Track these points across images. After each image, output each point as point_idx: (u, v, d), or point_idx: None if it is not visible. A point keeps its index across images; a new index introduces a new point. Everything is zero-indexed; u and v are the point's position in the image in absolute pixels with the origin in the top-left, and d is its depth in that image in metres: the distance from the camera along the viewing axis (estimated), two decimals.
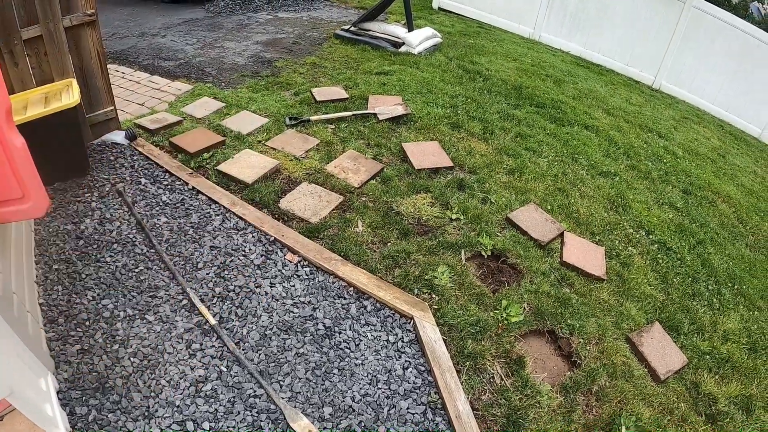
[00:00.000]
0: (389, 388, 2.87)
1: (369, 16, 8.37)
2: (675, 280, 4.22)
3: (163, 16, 9.26)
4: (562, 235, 4.19)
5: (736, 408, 3.53)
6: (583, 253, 4.04)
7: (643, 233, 4.64)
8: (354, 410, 2.74)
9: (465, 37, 9.53)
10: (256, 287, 3.34)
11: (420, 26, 8.81)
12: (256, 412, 2.62)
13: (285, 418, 2.60)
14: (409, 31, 8.07)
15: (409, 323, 3.25)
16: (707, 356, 3.75)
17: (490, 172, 4.81)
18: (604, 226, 4.53)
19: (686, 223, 5.03)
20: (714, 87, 9.95)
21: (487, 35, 10.10)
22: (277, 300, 3.27)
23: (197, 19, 9.17)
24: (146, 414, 2.52)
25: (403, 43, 7.87)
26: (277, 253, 3.63)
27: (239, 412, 2.61)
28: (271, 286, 3.36)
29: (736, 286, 4.53)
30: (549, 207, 4.52)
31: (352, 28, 8.39)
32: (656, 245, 4.53)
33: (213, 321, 3.03)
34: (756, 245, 5.50)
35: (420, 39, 7.95)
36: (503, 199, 4.45)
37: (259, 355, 2.91)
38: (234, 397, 2.66)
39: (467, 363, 3.05)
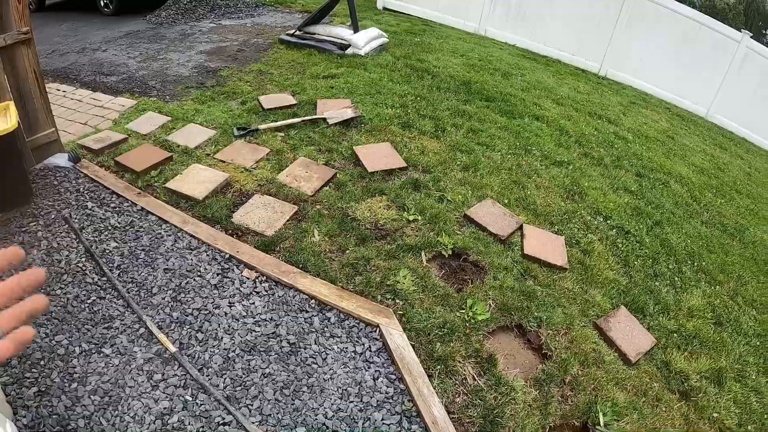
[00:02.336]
0: (361, 401, 2.84)
1: (313, 19, 8.35)
2: (636, 262, 4.34)
3: (104, 30, 9.07)
4: (521, 227, 4.25)
5: (708, 382, 3.65)
6: (544, 244, 4.11)
7: (601, 219, 4.76)
8: (328, 427, 2.70)
9: (411, 35, 9.62)
10: (215, 308, 3.26)
11: (366, 27, 8.83)
12: None
13: None
14: (354, 33, 8.07)
15: (376, 331, 3.24)
16: (675, 334, 3.86)
17: (444, 169, 4.85)
18: (562, 215, 4.63)
19: (642, 205, 5.18)
20: (659, 71, 10.32)
21: (433, 33, 10.21)
22: (238, 320, 3.20)
23: (139, 32, 9.01)
24: None
25: (350, 45, 7.87)
26: (233, 270, 3.56)
27: None
28: (230, 306, 3.29)
29: (695, 263, 4.69)
30: (506, 201, 4.58)
31: (297, 33, 8.36)
32: (615, 230, 4.66)
33: (173, 348, 2.95)
34: (711, 221, 5.71)
35: (366, 40, 7.97)
36: (460, 196, 4.50)
37: (225, 379, 2.84)
38: (202, 427, 2.59)
39: (438, 366, 3.05)
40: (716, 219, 5.87)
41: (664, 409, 3.35)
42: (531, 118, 6.50)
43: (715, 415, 3.47)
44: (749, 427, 3.52)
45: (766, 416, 3.67)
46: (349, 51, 7.84)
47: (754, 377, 3.93)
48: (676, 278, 4.38)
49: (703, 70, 10.23)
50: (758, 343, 4.27)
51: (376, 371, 3.01)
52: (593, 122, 7.09)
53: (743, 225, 6.12)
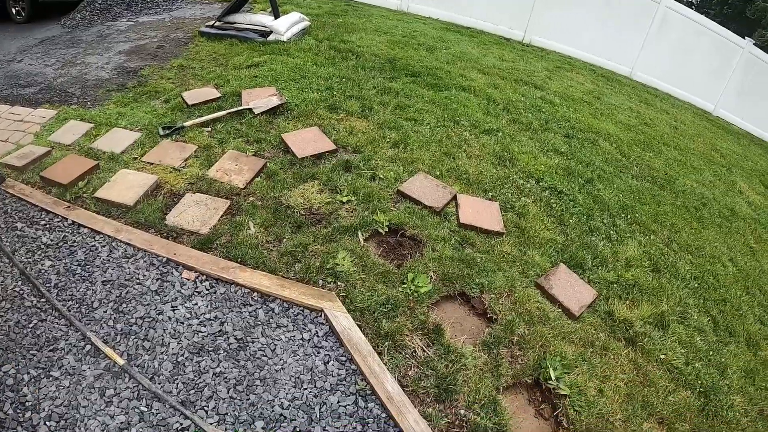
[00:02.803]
0: (315, 386, 2.89)
1: (233, 8, 8.19)
2: (571, 220, 4.50)
3: (17, 39, 8.62)
4: (455, 197, 4.34)
5: (652, 327, 3.85)
6: (479, 212, 4.21)
7: (534, 182, 4.91)
8: (286, 417, 2.74)
9: (333, 16, 9.57)
10: (158, 314, 3.22)
11: (286, 12, 8.73)
12: None
13: None
14: (275, 19, 7.96)
15: (321, 316, 3.27)
16: (615, 285, 4.04)
17: (374, 148, 4.89)
18: (495, 181, 4.75)
19: (572, 165, 5.37)
20: (583, 35, 10.69)
21: (356, 12, 10.19)
22: (183, 323, 3.18)
23: (54, 37, 8.60)
24: None
25: (271, 32, 7.77)
26: (172, 273, 3.52)
27: None
28: (173, 310, 3.26)
29: (629, 216, 4.91)
30: (438, 173, 4.66)
31: (217, 23, 8.17)
32: (547, 191, 4.82)
33: (121, 361, 2.91)
34: (641, 175, 5.97)
35: (288, 25, 7.89)
36: (391, 173, 4.54)
37: (177, 384, 2.83)
38: None
39: (386, 343, 3.11)
40: (646, 172, 6.15)
41: (612, 357, 3.51)
42: (458, 89, 6.61)
43: (662, 357, 3.67)
44: (696, 364, 3.74)
45: (711, 353, 3.90)
46: (271, 38, 7.75)
47: (696, 318, 4.17)
48: (611, 232, 4.57)
49: (625, 32, 10.66)
50: (696, 285, 4.52)
51: (326, 355, 3.05)
52: (520, 89, 7.27)
53: (673, 176, 6.44)
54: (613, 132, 6.68)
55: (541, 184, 4.90)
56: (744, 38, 11.32)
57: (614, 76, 10.37)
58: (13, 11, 9.97)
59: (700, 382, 3.62)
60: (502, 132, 5.70)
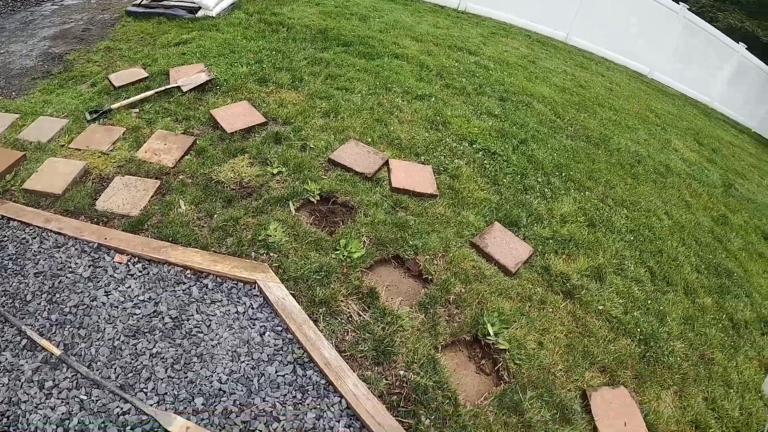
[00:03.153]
0: (252, 358, 2.89)
1: None
2: (505, 180, 4.58)
3: None
4: (387, 163, 4.36)
5: (589, 279, 3.98)
6: (412, 176, 4.24)
7: (466, 144, 4.97)
8: (225, 391, 2.74)
9: None
10: (92, 301, 3.16)
11: None
12: (130, 429, 2.55)
13: (160, 425, 2.55)
14: None
15: (254, 288, 3.26)
16: (551, 240, 4.14)
17: (304, 119, 4.85)
18: (428, 145, 4.78)
19: (506, 127, 5.45)
20: (518, 1, 10.76)
21: None
22: (117, 307, 3.13)
23: None
24: None
25: (200, 8, 7.57)
26: (104, 258, 3.44)
27: None
28: (107, 295, 3.20)
29: (563, 174, 5.02)
30: (369, 139, 4.66)
31: (144, 2, 7.88)
32: (481, 152, 4.88)
33: (57, 352, 2.84)
34: (576, 135, 6.11)
35: (216, 0, 7.72)
36: (322, 142, 4.52)
37: (115, 369, 2.79)
38: (104, 422, 2.56)
39: (321, 310, 3.12)
40: (581, 132, 6.29)
41: (550, 310, 3.61)
42: (390, 57, 6.60)
43: (600, 307, 3.79)
44: (635, 313, 3.88)
45: (650, 302, 4.06)
46: (200, 14, 7.55)
47: (632, 269, 4.32)
48: (546, 189, 4.67)
49: None
50: (632, 238, 4.68)
51: (261, 327, 3.06)
52: (454, 55, 7.32)
53: (607, 135, 6.61)
54: (548, 94, 6.80)
55: (474, 146, 4.96)
56: (678, 3, 11.66)
57: (550, 41, 10.53)
58: None
59: (639, 330, 3.76)
60: (435, 97, 5.73)
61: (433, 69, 6.50)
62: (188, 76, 5.45)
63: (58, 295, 3.19)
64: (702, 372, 3.74)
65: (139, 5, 7.91)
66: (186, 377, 2.78)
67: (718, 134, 10.60)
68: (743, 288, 4.90)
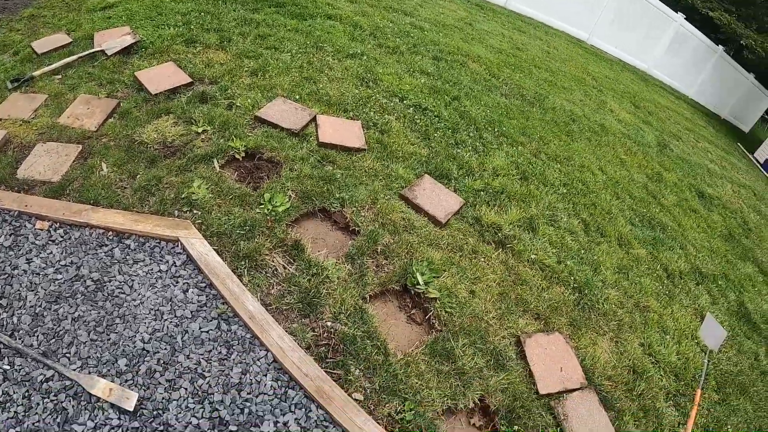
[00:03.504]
0: (176, 316, 2.86)
1: None
2: (436, 135, 4.61)
3: None
4: (314, 119, 4.32)
5: (522, 230, 4.05)
6: (339, 131, 4.22)
7: (397, 100, 4.97)
8: (148, 351, 2.71)
9: None
10: (13, 269, 3.06)
11: None
12: (54, 395, 2.50)
13: (84, 389, 2.51)
14: None
15: (177, 246, 3.21)
16: (482, 192, 4.19)
17: (231, 78, 4.76)
18: (357, 101, 4.77)
19: (439, 84, 5.47)
20: None
21: None
22: (38, 274, 3.04)
23: None
24: None
25: None
26: (25, 226, 3.33)
27: (38, 404, 2.46)
28: (28, 263, 3.10)
29: (496, 130, 5.08)
30: (297, 97, 4.61)
31: None
32: (411, 108, 4.89)
33: None
34: (510, 94, 6.18)
35: None
36: (249, 100, 4.44)
37: (37, 336, 2.73)
38: (27, 391, 2.50)
39: (245, 263, 3.09)
40: (516, 91, 6.37)
41: (482, 260, 3.67)
42: (323, 18, 6.51)
43: (533, 257, 3.87)
44: (569, 262, 3.97)
45: (583, 252, 4.16)
46: None
47: (566, 220, 4.42)
48: (477, 144, 4.72)
49: None
50: (566, 191, 4.78)
51: (184, 284, 3.02)
52: (389, 15, 7.27)
53: (542, 94, 6.72)
54: (484, 55, 6.85)
55: (405, 102, 4.96)
56: None
57: (488, 5, 10.60)
58: None
59: (573, 278, 3.87)
60: (367, 56, 5.69)
61: (366, 29, 6.45)
62: (113, 39, 5.29)
63: None
64: (638, 319, 3.88)
65: None
66: (109, 339, 2.73)
67: (655, 99, 10.91)
68: (677, 241, 5.09)
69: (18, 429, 2.39)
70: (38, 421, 2.41)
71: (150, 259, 3.15)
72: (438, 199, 3.89)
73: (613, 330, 3.66)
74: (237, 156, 3.82)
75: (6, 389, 2.50)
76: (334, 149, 4.05)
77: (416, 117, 4.75)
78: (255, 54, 5.20)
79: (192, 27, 5.71)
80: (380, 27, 6.66)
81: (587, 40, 12.57)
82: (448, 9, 8.76)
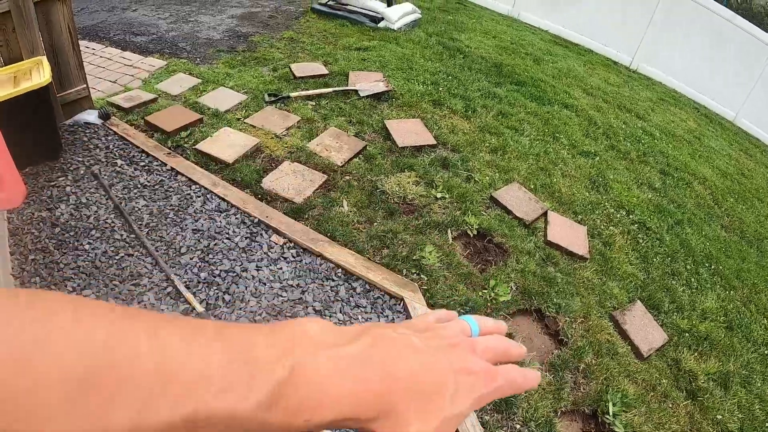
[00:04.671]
0: None
1: None
2: (655, 259, 4.37)
3: None
4: (545, 214, 4.29)
5: (715, 384, 3.72)
6: (567, 233, 4.15)
7: (624, 213, 4.78)
8: None
9: (444, 12, 9.52)
10: (243, 271, 3.26)
11: (399, 1, 8.76)
12: None
13: None
14: (388, 6, 7.99)
15: (400, 304, 3.26)
16: (687, 334, 3.91)
17: (473, 150, 4.87)
18: (586, 205, 4.66)
19: (664, 203, 5.20)
20: (690, 70, 10.19)
21: (467, 12, 10.11)
22: (265, 284, 3.20)
23: None
24: None
25: (382, 18, 7.80)
26: (261, 235, 3.56)
27: None
28: (257, 270, 3.28)
29: (712, 266, 4.72)
30: (532, 186, 4.61)
31: (330, 2, 8.26)
32: (636, 225, 4.68)
33: (200, 308, 2.96)
34: (731, 227, 5.72)
35: (400, 14, 7.90)
36: (487, 177, 4.52)
37: None
38: None
39: None
40: (736, 225, 5.88)
41: (670, 405, 3.43)
42: (560, 105, 6.48)
43: (719, 417, 3.55)
44: None
45: (767, 424, 3.75)
46: (381, 24, 7.78)
47: (759, 385, 4.00)
48: (692, 279, 4.42)
49: (734, 73, 10.10)
50: (766, 352, 4.33)
51: None
52: (622, 115, 7.06)
53: (762, 234, 6.13)
54: (709, 177, 6.41)
55: (631, 216, 4.77)
56: None
57: (717, 118, 9.89)
58: None
59: None
60: (599, 156, 5.57)
61: (600, 127, 6.31)
62: (366, 82, 5.62)
63: (211, 257, 3.32)
64: None
65: (324, 4, 8.25)
66: None
67: None
68: None
69: None
70: None
71: (371, 308, 3.23)
72: (645, 330, 3.70)
73: None
74: (469, 232, 3.90)
75: None
76: (559, 251, 3.99)
77: (639, 236, 4.54)
78: (496, 131, 5.29)
79: (439, 88, 5.93)
80: (613, 127, 6.48)
81: None
82: (678, 117, 8.32)
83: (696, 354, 3.84)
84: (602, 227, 4.45)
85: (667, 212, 5.07)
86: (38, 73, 3.64)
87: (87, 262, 3.14)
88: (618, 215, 4.71)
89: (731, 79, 10.11)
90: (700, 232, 5.09)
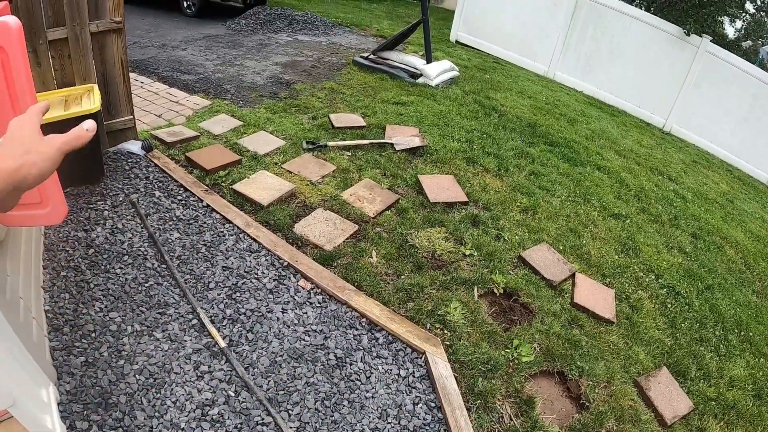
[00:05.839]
0: (399, 423, 2.80)
1: (389, 45, 8.45)
2: (683, 325, 4.21)
3: (184, 30, 9.34)
4: (573, 276, 4.20)
5: None
6: (594, 296, 4.05)
7: (653, 277, 4.64)
8: None
9: (481, 71, 9.63)
10: (268, 312, 3.26)
11: (438, 58, 8.89)
12: None
13: None
14: (427, 63, 8.12)
15: (421, 358, 3.22)
16: (713, 402, 3.73)
17: (504, 209, 4.84)
18: (615, 268, 4.54)
19: (695, 268, 5.03)
20: (724, 132, 10.00)
21: (503, 71, 10.20)
22: (289, 326, 3.20)
23: (218, 36, 9.25)
24: None
25: (421, 75, 7.93)
26: (290, 278, 3.56)
27: None
28: (283, 312, 3.29)
29: (742, 333, 4.52)
30: (561, 247, 4.53)
31: (371, 56, 8.45)
32: (665, 289, 4.53)
33: (223, 343, 2.95)
34: (763, 292, 5.48)
35: (438, 71, 8.02)
36: (516, 237, 4.47)
37: (269, 381, 2.83)
38: (241, 424, 2.56)
39: (477, 401, 3.04)
40: None
41: None
42: (593, 167, 6.41)
43: None
44: None
45: None
46: (420, 80, 7.90)
47: None
48: (721, 345, 4.23)
49: (766, 136, 9.86)
50: None
51: (416, 397, 2.99)
52: (654, 178, 6.93)
53: None
54: (742, 241, 6.18)
55: (660, 281, 4.62)
56: None
57: (751, 181, 9.60)
58: (185, 4, 10.78)
59: None
60: (630, 219, 5.45)
61: (632, 189, 6.20)
62: (402, 136, 5.68)
63: (238, 295, 3.33)
64: None
65: (365, 58, 8.44)
66: (332, 416, 2.74)
67: None
68: None
69: None
70: None
71: (393, 359, 3.18)
72: (670, 397, 3.54)
73: None
74: (495, 291, 3.84)
75: (222, 411, 2.60)
76: (585, 313, 3.88)
77: (668, 300, 4.39)
78: (528, 191, 5.25)
79: (474, 146, 5.93)
80: (645, 189, 6.36)
81: None
82: (711, 179, 8.11)
83: (722, 423, 3.64)
84: (630, 291, 4.32)
85: (698, 276, 4.90)
86: (89, 100, 3.77)
87: (117, 286, 3.19)
88: (647, 279, 4.57)
89: (765, 141, 9.86)
90: (731, 297, 4.89)
